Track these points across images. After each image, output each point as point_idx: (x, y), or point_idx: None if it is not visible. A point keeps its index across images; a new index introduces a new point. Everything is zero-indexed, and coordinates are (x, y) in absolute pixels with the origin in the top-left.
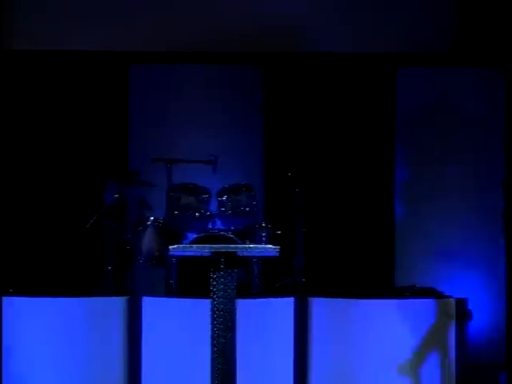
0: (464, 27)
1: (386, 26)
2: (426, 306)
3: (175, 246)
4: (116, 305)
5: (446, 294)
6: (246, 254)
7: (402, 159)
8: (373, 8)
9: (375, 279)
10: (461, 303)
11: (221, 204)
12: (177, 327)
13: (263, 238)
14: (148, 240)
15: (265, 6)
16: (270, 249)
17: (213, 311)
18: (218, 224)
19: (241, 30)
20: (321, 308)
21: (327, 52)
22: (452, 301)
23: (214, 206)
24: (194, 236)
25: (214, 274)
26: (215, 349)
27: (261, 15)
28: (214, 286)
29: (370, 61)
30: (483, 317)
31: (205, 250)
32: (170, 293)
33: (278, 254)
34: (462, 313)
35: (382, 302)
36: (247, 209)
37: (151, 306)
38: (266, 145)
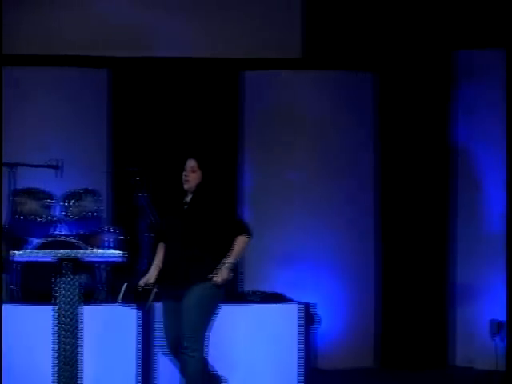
0: (313, 35)
1: (236, 32)
2: (271, 310)
3: (21, 252)
4: None
5: (291, 299)
6: (89, 259)
7: (248, 162)
8: (226, 16)
9: None
10: (307, 308)
11: (65, 209)
12: (20, 333)
13: (110, 243)
14: None
15: (111, 10)
16: (115, 254)
17: (56, 317)
18: (64, 229)
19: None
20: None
21: (174, 57)
22: (298, 306)
23: (59, 211)
24: (37, 241)
25: (56, 280)
26: (59, 354)
27: (108, 19)
28: (57, 292)
29: (215, 65)
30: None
31: (48, 255)
32: (13, 299)
33: (123, 259)
34: (308, 318)
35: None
36: (93, 214)
37: None
38: (113, 148)
